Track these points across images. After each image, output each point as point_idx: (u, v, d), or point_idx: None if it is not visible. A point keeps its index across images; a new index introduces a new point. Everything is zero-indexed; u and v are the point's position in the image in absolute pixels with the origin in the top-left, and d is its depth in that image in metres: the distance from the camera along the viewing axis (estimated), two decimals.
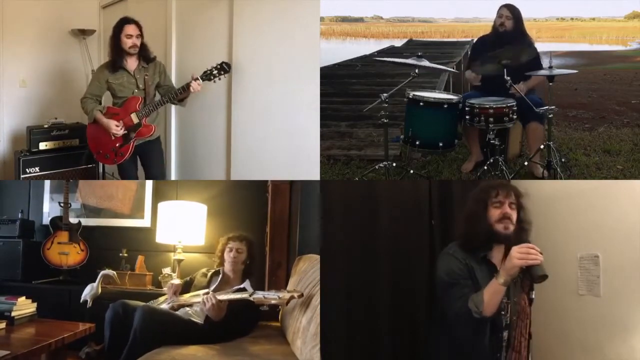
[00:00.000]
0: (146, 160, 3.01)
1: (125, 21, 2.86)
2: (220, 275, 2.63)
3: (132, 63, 2.90)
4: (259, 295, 2.22)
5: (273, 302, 2.17)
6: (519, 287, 1.80)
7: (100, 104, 3.01)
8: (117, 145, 2.89)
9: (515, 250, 1.59)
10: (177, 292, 2.58)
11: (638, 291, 1.98)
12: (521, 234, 1.75)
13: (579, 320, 2.26)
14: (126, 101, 2.89)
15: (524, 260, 1.57)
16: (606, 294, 2.12)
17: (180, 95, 2.86)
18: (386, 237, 2.55)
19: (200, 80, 2.80)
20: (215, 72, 2.80)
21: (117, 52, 2.87)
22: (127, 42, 2.84)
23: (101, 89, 2.93)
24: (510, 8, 2.99)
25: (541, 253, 1.59)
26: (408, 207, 2.61)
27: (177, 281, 2.71)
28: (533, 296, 1.61)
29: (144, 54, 2.90)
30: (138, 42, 2.86)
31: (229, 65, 2.81)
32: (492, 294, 1.63)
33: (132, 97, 2.89)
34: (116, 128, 2.84)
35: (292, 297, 2.15)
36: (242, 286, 2.52)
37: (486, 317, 1.64)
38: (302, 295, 2.19)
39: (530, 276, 1.61)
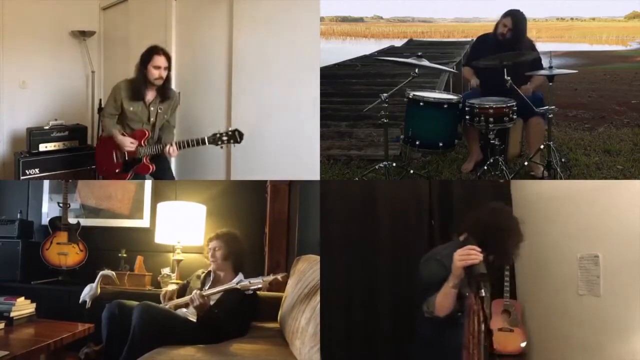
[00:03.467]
0: (158, 173, 2.97)
1: (154, 51, 2.76)
2: (212, 276, 2.63)
3: (150, 95, 2.84)
4: (245, 282, 2.29)
5: (256, 286, 2.26)
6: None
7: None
8: (117, 170, 2.88)
9: (457, 253, 1.69)
10: (173, 297, 2.59)
11: (638, 291, 1.98)
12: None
13: (579, 320, 2.25)
14: (134, 133, 2.84)
15: (464, 261, 1.67)
16: (606, 294, 2.12)
17: (159, 151, 2.79)
18: (386, 237, 2.56)
19: (176, 147, 2.73)
20: (224, 138, 2.65)
21: (141, 82, 2.78)
22: (154, 74, 2.75)
23: (117, 107, 2.86)
24: (514, 18, 2.93)
25: (482, 252, 1.68)
26: (408, 207, 2.61)
27: (172, 287, 2.71)
28: (483, 294, 1.67)
29: (163, 89, 2.83)
30: (164, 75, 2.79)
31: (241, 136, 2.64)
32: (443, 297, 1.73)
33: (140, 130, 2.83)
34: (130, 145, 2.80)
35: (275, 279, 2.23)
36: (234, 281, 2.52)
37: (439, 318, 1.74)
38: (286, 276, 2.31)
39: (471, 275, 1.68)
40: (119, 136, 2.84)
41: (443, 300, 1.73)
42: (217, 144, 2.67)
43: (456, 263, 1.68)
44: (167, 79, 2.84)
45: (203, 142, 2.69)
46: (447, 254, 1.80)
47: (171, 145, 2.75)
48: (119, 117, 2.89)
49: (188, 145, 2.74)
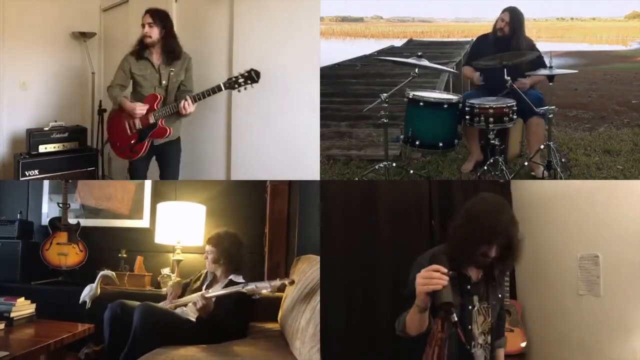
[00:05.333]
0: (162, 161, 2.94)
1: (145, 11, 2.77)
2: (210, 276, 2.64)
3: (156, 57, 2.80)
4: (251, 286, 2.25)
5: (264, 291, 2.22)
6: (498, 292, 1.77)
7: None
8: (132, 142, 2.80)
9: (419, 276, 1.45)
10: (177, 295, 2.61)
11: (638, 291, 1.97)
12: (504, 264, 1.67)
13: (579, 321, 2.25)
14: (146, 98, 2.79)
15: (426, 286, 1.43)
16: (606, 294, 2.12)
17: (174, 109, 2.72)
18: (386, 238, 2.55)
19: (191, 101, 2.66)
20: (241, 80, 2.58)
21: (140, 41, 2.79)
22: (142, 32, 2.76)
23: (126, 78, 2.83)
24: (511, 12, 2.97)
25: (448, 275, 1.44)
26: (408, 207, 2.61)
27: (176, 287, 2.70)
28: (454, 319, 1.43)
29: (166, 49, 2.77)
30: (152, 34, 2.74)
31: (258, 74, 2.57)
32: (410, 319, 1.55)
33: (152, 95, 2.78)
34: (140, 110, 2.72)
35: (282, 284, 2.20)
36: (229, 278, 2.52)
37: (411, 336, 1.56)
38: (293, 282, 2.26)
39: (434, 301, 1.45)
40: (127, 103, 2.78)
41: (411, 323, 1.54)
42: (234, 88, 2.59)
43: (417, 287, 1.44)
44: (167, 39, 2.77)
45: (219, 89, 2.61)
46: (437, 257, 1.57)
47: (185, 100, 2.65)
48: (132, 87, 2.87)
49: (203, 96, 2.66)
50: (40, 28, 3.83)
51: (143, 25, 2.76)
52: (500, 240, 1.62)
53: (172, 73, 2.80)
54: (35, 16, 3.79)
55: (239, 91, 2.63)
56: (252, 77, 2.57)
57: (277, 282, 2.22)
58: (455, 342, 1.57)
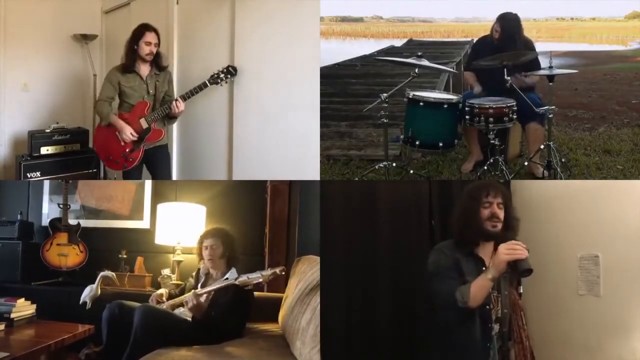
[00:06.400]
0: (153, 166, 3.00)
1: (146, 28, 2.87)
2: (204, 273, 2.62)
3: (144, 69, 2.90)
4: (243, 277, 2.26)
5: (255, 281, 2.23)
6: (508, 281, 1.92)
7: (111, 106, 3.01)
8: (127, 150, 2.88)
9: (503, 247, 1.70)
10: (162, 299, 2.59)
11: (638, 291, 1.97)
12: (508, 231, 1.85)
13: (579, 320, 2.25)
14: (135, 107, 2.89)
15: (510, 255, 1.68)
16: (606, 294, 2.12)
17: (166, 111, 2.86)
18: (386, 238, 2.55)
19: (181, 100, 2.84)
20: (222, 75, 2.84)
21: (131, 57, 2.87)
22: (145, 49, 2.84)
23: (114, 91, 2.91)
24: (502, 22, 2.98)
25: (527, 249, 1.69)
26: (408, 207, 2.61)
27: (160, 291, 2.70)
28: (522, 290, 1.76)
29: (157, 61, 2.92)
30: (155, 50, 2.88)
31: (235, 69, 2.84)
32: (479, 288, 1.73)
33: (140, 102, 2.88)
34: (130, 136, 2.84)
35: (274, 274, 2.22)
36: (226, 276, 2.49)
37: (471, 308, 1.74)
38: (284, 270, 2.29)
39: (516, 270, 1.70)
40: (118, 121, 2.88)
41: (479, 292, 1.72)
42: (217, 83, 2.86)
43: (501, 257, 1.68)
44: (158, 53, 2.91)
45: (205, 86, 2.87)
46: (447, 244, 1.89)
47: (176, 100, 2.85)
48: (119, 98, 2.94)
49: (192, 94, 2.88)
50: (42, 30, 3.84)
51: (148, 43, 2.84)
52: (497, 196, 1.84)
53: (158, 83, 2.92)
54: (37, 18, 3.80)
55: (221, 85, 2.88)
56: (230, 71, 2.87)
57: (268, 272, 2.22)
58: (481, 322, 1.78)
